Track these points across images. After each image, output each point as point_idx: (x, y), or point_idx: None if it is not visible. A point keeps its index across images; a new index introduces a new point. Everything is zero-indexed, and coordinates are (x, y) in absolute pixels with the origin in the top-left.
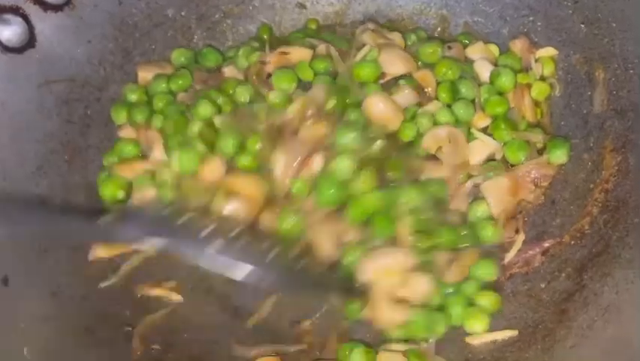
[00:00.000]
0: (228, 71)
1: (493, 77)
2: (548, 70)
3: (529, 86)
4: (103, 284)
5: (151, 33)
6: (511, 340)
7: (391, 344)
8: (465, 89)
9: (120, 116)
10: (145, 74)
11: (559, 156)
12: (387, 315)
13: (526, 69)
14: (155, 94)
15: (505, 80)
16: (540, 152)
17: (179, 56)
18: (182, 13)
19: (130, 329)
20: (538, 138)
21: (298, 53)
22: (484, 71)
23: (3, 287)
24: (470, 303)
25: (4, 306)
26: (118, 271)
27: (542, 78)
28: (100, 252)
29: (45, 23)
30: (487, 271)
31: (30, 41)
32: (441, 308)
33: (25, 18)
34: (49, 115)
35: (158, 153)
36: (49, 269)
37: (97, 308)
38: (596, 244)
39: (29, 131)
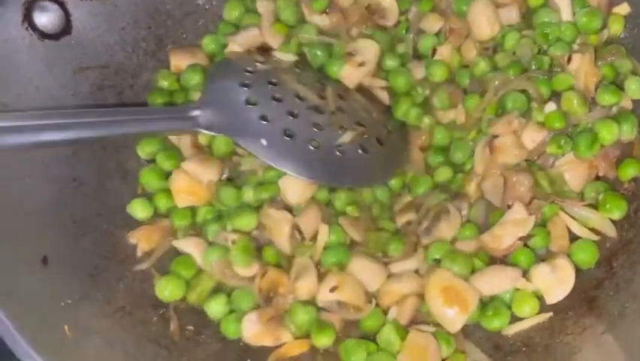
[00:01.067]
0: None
1: (581, 15)
2: (617, 28)
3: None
4: (137, 267)
5: (182, 21)
6: (542, 325)
7: (421, 325)
8: None
9: (155, 103)
10: (177, 61)
11: (628, 130)
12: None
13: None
14: (190, 87)
15: (592, 21)
16: None
17: (209, 43)
18: (213, 3)
19: (164, 310)
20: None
21: None
22: (564, 5)
23: (43, 267)
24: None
25: (45, 285)
26: (152, 254)
27: (609, 40)
28: (144, 246)
29: (80, 10)
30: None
31: (66, 28)
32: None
33: (62, 5)
34: (84, 100)
35: None
36: (87, 251)
37: (132, 290)
38: (627, 231)
39: None
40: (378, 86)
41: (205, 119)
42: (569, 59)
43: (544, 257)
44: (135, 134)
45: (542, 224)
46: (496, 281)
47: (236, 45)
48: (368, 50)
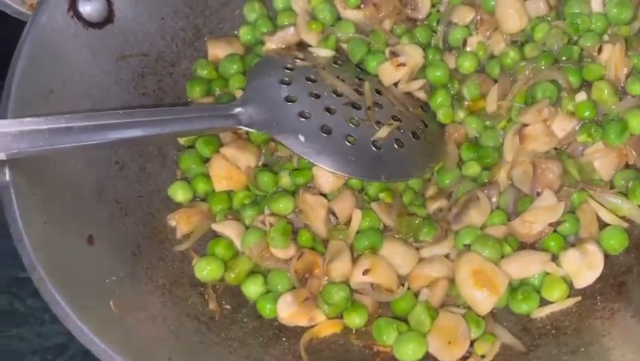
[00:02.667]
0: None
1: (611, 6)
2: None
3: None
4: (177, 248)
5: (220, 12)
6: (570, 309)
7: (452, 307)
8: None
9: (194, 91)
10: (214, 51)
11: None
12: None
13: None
14: (229, 76)
15: (623, 12)
16: None
17: (245, 34)
18: None
19: (202, 289)
20: None
21: None
22: None
23: (89, 246)
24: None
25: (91, 263)
26: (191, 236)
27: None
28: (183, 228)
29: (122, 0)
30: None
31: (109, 17)
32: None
33: None
34: (126, 87)
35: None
36: (129, 231)
37: (172, 269)
38: None
39: (108, 102)
40: (416, 88)
41: (246, 117)
42: (600, 50)
43: (574, 243)
44: (180, 133)
45: (572, 211)
46: (526, 265)
47: (274, 44)
48: (412, 55)
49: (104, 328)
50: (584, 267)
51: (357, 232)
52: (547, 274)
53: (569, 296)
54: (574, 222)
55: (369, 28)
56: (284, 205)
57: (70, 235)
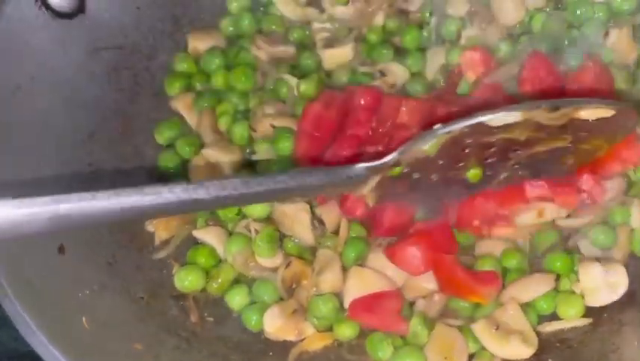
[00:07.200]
0: None
1: None
2: None
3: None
4: (155, 256)
5: (200, 0)
6: None
7: (449, 319)
8: None
9: (174, 87)
10: (195, 43)
11: None
12: None
13: None
14: (211, 71)
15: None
16: None
17: (228, 25)
18: None
19: (183, 301)
20: None
21: None
22: None
23: (60, 256)
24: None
25: (62, 275)
26: (170, 243)
27: None
28: (162, 234)
29: None
30: None
31: (80, 7)
32: None
33: None
34: (99, 83)
35: None
36: (104, 240)
37: (151, 279)
38: None
39: (80, 98)
40: None
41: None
42: (606, 34)
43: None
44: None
45: (612, 226)
46: (530, 287)
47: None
48: (397, 74)
49: (74, 348)
50: (605, 286)
51: (345, 243)
52: (559, 292)
53: None
54: (609, 235)
55: (361, 25)
56: (259, 210)
57: (39, 245)
